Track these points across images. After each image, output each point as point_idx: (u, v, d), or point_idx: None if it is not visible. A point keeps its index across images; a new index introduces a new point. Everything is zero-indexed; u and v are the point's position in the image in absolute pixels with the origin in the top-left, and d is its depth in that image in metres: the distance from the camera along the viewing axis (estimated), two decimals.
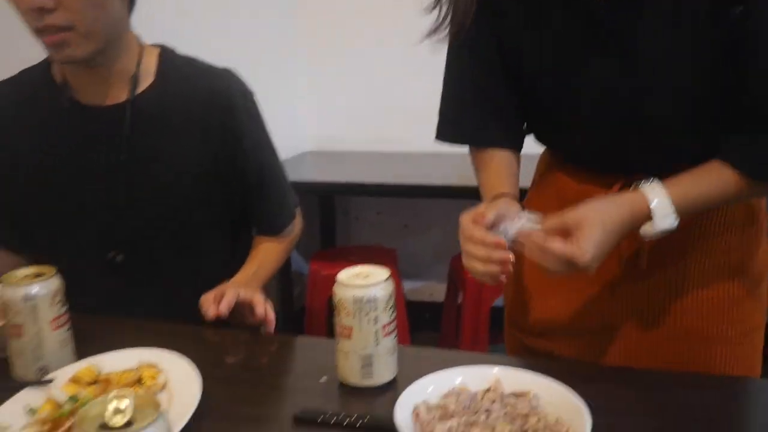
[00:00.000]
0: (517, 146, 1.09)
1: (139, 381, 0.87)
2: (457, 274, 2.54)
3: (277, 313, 1.14)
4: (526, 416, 0.76)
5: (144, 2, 1.23)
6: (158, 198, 1.24)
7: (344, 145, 3.03)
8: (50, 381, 0.88)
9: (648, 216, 0.89)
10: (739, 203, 1.00)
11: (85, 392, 0.82)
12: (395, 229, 3.04)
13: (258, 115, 1.33)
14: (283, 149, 1.40)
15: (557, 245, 0.85)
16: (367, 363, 0.88)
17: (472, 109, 1.07)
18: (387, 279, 0.89)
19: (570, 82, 0.97)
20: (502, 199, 0.98)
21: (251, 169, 1.29)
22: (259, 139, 1.32)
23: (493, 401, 0.79)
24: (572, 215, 0.88)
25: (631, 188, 0.92)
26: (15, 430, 0.78)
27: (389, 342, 0.89)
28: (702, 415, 0.83)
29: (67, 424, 0.76)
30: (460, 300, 2.52)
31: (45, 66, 1.25)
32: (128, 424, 0.54)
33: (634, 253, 1.02)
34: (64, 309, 0.94)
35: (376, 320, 0.87)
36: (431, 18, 0.95)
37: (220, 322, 1.09)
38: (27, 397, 0.85)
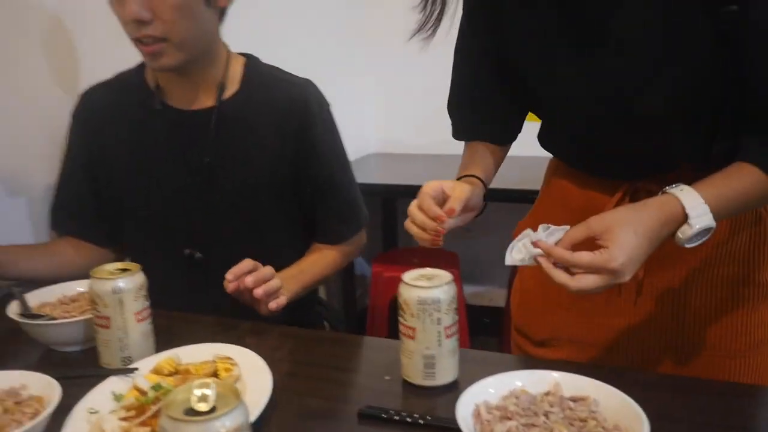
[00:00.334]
0: (502, 141, 1.13)
1: (215, 373, 0.92)
2: None
3: (339, 312, 1.18)
4: (585, 420, 0.78)
5: (232, 14, 1.31)
6: (236, 198, 1.31)
7: (408, 148, 3.06)
8: (135, 370, 0.94)
9: (682, 218, 0.83)
10: None
11: (166, 382, 0.88)
12: (457, 232, 3.03)
13: (333, 126, 1.39)
14: (347, 151, 1.45)
15: (585, 257, 0.81)
16: (430, 363, 0.91)
17: (458, 106, 1.13)
18: (450, 281, 0.92)
19: (559, 78, 0.96)
20: (466, 178, 1.03)
21: (321, 176, 1.34)
22: (331, 149, 1.37)
23: (553, 404, 0.81)
24: (598, 221, 0.84)
25: (659, 194, 0.87)
26: (103, 414, 0.84)
27: (451, 343, 0.92)
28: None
29: (152, 411, 0.82)
30: None
31: (140, 70, 1.35)
32: (212, 410, 0.58)
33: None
34: (147, 303, 1.01)
35: (438, 321, 0.90)
36: (419, 16, 0.93)
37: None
38: (113, 384, 0.91)
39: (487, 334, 2.79)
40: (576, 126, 1.02)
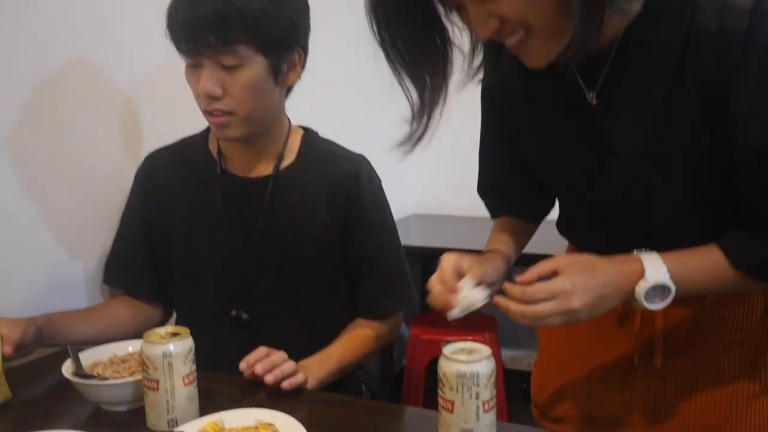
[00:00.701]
0: (533, 220, 1.20)
1: None
2: None
3: (375, 373, 1.19)
4: None
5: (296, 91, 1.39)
6: (283, 264, 1.36)
7: (449, 209, 3.09)
8: None
9: (639, 273, 0.89)
10: (759, 292, 0.98)
11: None
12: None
13: (382, 200, 1.43)
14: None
15: (542, 283, 0.87)
16: None
17: (488, 190, 1.23)
18: (489, 356, 0.93)
19: (560, 171, 1.04)
20: (489, 253, 1.08)
21: (367, 248, 1.38)
22: (379, 222, 1.42)
23: None
24: (559, 257, 0.90)
25: None
26: None
27: (489, 417, 0.92)
28: None
29: None
30: None
31: (203, 137, 1.43)
32: None
33: (648, 341, 1.01)
34: (194, 367, 1.04)
35: (477, 396, 0.91)
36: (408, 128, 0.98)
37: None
38: None
39: (525, 399, 2.73)
40: (587, 222, 1.08)
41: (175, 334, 1.03)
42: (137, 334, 1.10)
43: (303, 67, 1.33)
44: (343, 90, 2.57)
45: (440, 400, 0.93)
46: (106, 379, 1.11)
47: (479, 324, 2.55)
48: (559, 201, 1.15)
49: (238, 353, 1.30)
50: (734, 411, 0.99)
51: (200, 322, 1.33)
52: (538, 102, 1.02)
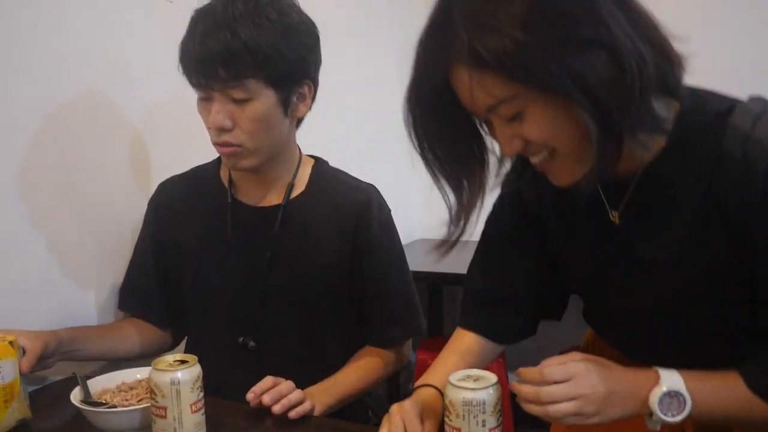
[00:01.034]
0: (505, 341, 1.23)
1: None
2: None
3: (382, 398, 1.19)
4: None
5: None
6: (291, 292, 1.37)
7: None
8: None
9: (654, 381, 0.88)
10: None
11: None
12: None
13: (390, 229, 1.44)
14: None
15: (556, 368, 0.87)
16: None
17: (476, 294, 1.22)
18: (495, 383, 0.93)
19: (593, 287, 1.07)
20: (421, 390, 1.08)
21: (375, 278, 1.39)
22: (388, 251, 1.43)
23: None
24: (575, 356, 0.90)
25: None
26: None
27: None
28: None
29: None
30: None
31: (215, 166, 1.45)
32: None
33: None
34: (201, 394, 1.05)
35: (483, 423, 0.91)
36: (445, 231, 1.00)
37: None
38: None
39: (532, 424, 2.72)
40: (614, 322, 1.09)
41: (183, 362, 1.04)
42: (147, 354, 1.11)
43: (313, 99, 1.35)
44: (353, 117, 2.59)
45: (447, 428, 0.94)
46: (115, 406, 1.12)
47: None
48: (589, 312, 1.17)
49: (246, 380, 1.31)
50: None
51: (209, 348, 1.34)
52: (565, 211, 1.05)
